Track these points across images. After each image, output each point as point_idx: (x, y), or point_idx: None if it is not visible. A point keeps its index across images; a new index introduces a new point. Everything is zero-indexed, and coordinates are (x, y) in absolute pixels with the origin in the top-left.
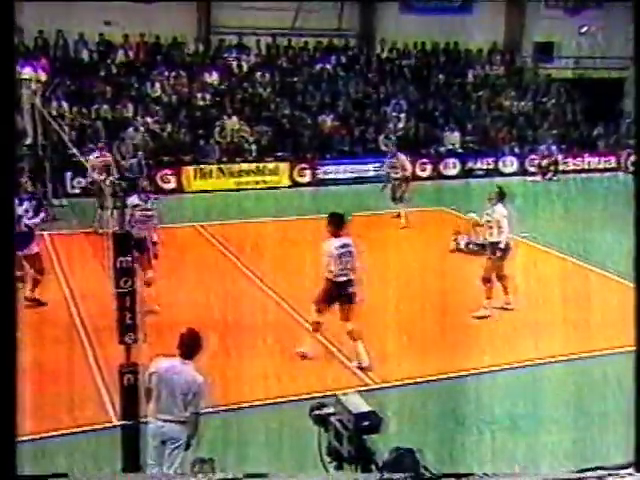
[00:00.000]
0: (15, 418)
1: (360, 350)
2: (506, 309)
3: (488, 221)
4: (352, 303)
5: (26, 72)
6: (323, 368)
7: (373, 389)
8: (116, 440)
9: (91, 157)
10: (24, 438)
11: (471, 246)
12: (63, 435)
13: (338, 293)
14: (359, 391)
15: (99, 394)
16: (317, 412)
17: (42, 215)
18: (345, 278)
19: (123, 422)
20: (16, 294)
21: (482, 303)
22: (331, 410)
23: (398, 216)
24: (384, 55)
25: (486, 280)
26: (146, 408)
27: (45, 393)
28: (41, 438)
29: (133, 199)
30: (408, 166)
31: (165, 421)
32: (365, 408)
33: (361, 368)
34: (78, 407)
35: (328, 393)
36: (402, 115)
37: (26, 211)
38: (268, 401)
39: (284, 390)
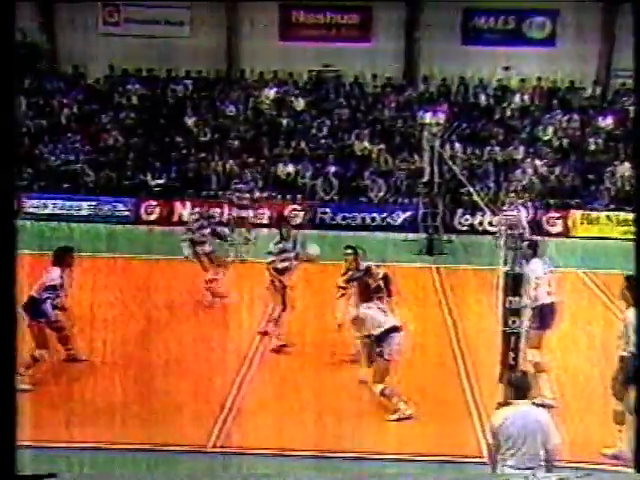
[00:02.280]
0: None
1: None
2: None
3: None
4: None
5: (427, 117)
6: None
7: None
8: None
9: (500, 214)
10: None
11: None
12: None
13: None
14: None
15: (473, 428)
16: None
17: None
18: None
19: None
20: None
21: None
22: None
23: None
24: None
25: None
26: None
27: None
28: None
29: (536, 267)
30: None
31: (531, 468)
32: None
33: None
34: (452, 436)
35: None
36: None
37: None
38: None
39: None
